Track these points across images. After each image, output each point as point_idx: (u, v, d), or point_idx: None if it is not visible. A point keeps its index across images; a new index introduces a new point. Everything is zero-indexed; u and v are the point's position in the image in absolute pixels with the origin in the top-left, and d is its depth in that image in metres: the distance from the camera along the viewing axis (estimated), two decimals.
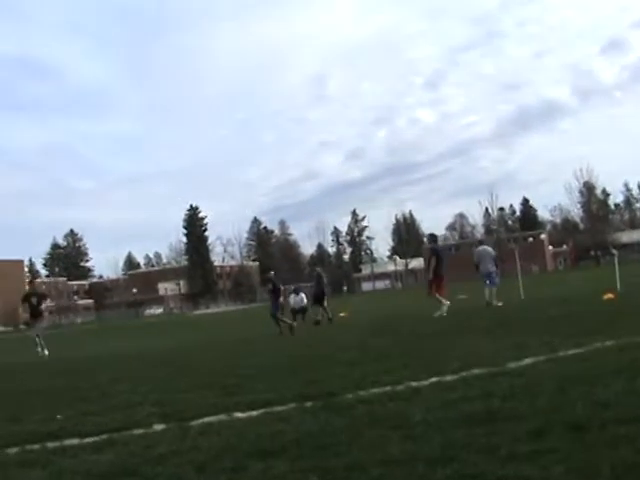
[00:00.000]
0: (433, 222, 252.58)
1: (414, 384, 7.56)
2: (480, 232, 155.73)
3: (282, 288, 24.74)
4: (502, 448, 4.40)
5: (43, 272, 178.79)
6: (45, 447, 6.12)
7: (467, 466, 4.12)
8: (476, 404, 5.93)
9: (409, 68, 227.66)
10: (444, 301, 21.45)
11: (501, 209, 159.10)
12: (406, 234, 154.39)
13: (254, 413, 6.75)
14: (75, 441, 6.26)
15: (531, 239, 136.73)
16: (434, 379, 7.80)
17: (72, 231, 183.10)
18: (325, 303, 27.12)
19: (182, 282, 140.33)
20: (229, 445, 5.32)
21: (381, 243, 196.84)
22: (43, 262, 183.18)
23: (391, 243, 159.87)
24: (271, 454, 4.88)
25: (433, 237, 27.68)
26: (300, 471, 4.35)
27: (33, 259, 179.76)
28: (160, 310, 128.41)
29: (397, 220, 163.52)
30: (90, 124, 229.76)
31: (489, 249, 25.72)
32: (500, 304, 22.88)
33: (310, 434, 5.41)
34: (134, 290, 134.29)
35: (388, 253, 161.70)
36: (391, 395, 6.98)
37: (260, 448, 5.08)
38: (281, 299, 24.29)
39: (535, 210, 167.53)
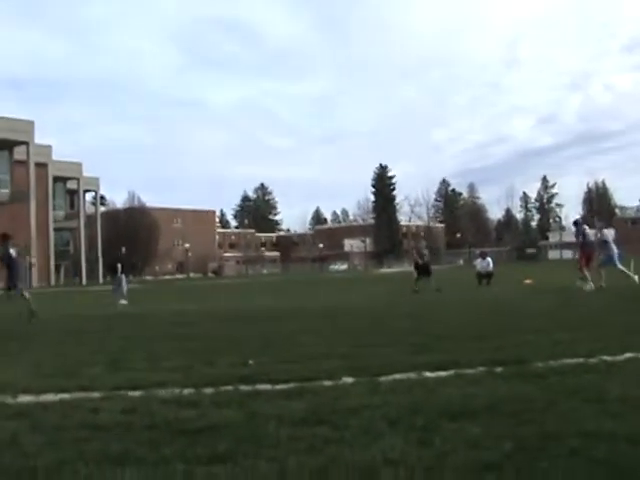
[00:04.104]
0: (627, 192, 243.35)
1: (608, 358, 7.31)
2: None
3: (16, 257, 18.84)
4: None
5: (233, 223, 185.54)
6: (238, 390, 6.34)
7: None
8: None
9: (605, 32, 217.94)
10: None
11: None
12: (597, 204, 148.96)
13: (443, 374, 6.73)
14: (267, 386, 6.44)
15: None
16: (629, 355, 7.51)
17: (262, 185, 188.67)
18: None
19: (368, 240, 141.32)
20: (420, 403, 5.31)
21: (571, 212, 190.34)
22: (233, 214, 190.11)
23: (581, 212, 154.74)
24: (463, 416, 4.85)
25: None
26: (494, 436, 4.28)
27: (224, 210, 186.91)
28: (344, 266, 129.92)
29: (589, 189, 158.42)
30: (286, 83, 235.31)
31: None
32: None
33: (503, 400, 5.33)
34: (320, 245, 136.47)
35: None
36: (585, 367, 6.79)
37: (452, 409, 5.05)
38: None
39: None
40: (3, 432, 4.91)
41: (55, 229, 79.26)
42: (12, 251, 18.50)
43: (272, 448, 4.28)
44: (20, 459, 4.21)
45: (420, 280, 26.87)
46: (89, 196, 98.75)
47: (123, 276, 26.89)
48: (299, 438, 4.48)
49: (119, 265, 27.00)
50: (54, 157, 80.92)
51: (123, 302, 25.05)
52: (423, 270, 27.36)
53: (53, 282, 75.49)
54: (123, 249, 28.13)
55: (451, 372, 6.78)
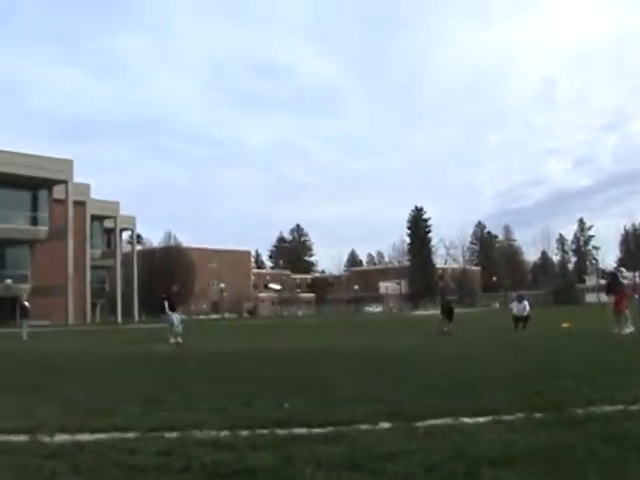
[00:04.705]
0: None
1: None
2: None
3: None
4: None
5: (268, 264, 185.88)
6: (274, 433, 6.28)
7: None
8: None
9: None
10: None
11: None
12: (635, 246, 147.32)
13: (481, 419, 6.65)
14: (303, 430, 6.39)
15: None
16: None
17: (298, 226, 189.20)
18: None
19: (403, 282, 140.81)
20: (458, 450, 5.24)
21: (608, 254, 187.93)
22: (269, 254, 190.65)
23: (618, 255, 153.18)
24: (502, 464, 4.77)
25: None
26: None
27: (259, 250, 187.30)
28: (379, 309, 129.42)
29: (626, 231, 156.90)
30: (318, 122, 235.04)
31: None
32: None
33: (542, 447, 5.25)
34: (355, 287, 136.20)
35: (614, 265, 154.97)
36: (625, 414, 6.69)
37: (491, 456, 4.98)
38: None
39: None
40: (42, 472, 4.92)
41: (92, 267, 79.78)
42: None
43: None
44: None
45: (446, 321, 27.34)
46: (126, 235, 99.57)
47: (175, 315, 26.86)
48: None
49: (166, 303, 27.11)
50: (92, 195, 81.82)
51: (172, 340, 25.18)
52: (445, 311, 27.85)
53: (89, 320, 75.90)
54: (175, 288, 28.40)
55: (489, 418, 6.69)
